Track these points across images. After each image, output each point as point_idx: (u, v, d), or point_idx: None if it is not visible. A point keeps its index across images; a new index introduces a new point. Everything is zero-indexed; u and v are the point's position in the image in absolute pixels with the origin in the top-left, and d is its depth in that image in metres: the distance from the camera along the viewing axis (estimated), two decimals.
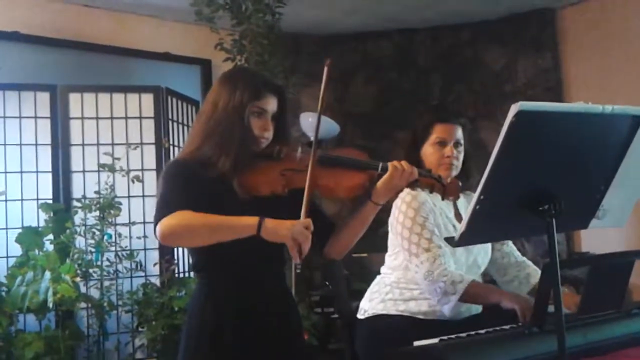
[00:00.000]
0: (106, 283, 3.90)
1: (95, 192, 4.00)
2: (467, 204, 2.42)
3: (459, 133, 2.37)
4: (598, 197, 1.65)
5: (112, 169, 3.98)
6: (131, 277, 4.08)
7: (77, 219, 3.95)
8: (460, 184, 1.95)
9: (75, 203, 4.05)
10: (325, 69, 1.78)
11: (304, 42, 5.51)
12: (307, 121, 4.26)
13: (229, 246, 1.67)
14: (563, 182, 1.55)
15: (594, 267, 1.82)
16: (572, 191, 1.57)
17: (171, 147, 4.43)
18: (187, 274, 4.42)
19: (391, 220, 2.34)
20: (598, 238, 4.54)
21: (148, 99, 4.40)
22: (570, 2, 5.17)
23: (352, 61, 5.65)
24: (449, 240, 1.68)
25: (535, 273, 2.38)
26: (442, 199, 2.16)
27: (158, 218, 1.69)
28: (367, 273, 3.72)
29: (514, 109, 1.37)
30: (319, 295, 4.73)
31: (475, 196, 1.49)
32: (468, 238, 1.57)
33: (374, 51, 5.70)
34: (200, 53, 4.98)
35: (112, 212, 3.89)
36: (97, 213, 3.91)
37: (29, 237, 3.77)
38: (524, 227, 1.66)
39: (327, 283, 4.48)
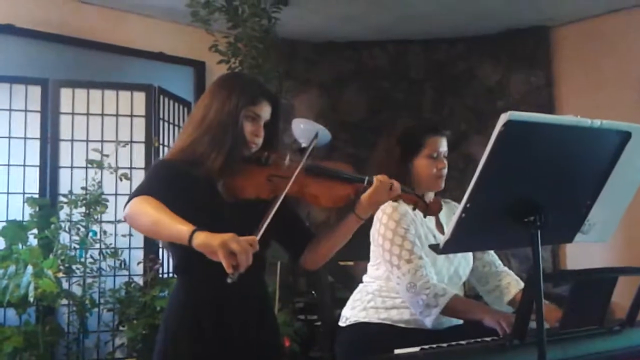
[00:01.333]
0: (89, 280, 3.86)
1: (82, 189, 3.97)
2: (448, 212, 2.43)
3: (445, 144, 2.41)
4: (584, 211, 1.65)
5: (100, 165, 3.96)
6: (114, 275, 4.04)
7: (63, 214, 3.91)
8: (442, 203, 1.97)
9: (61, 198, 4.01)
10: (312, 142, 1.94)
11: (299, 48, 5.51)
12: (299, 127, 4.23)
13: None
14: (550, 195, 1.55)
15: (577, 282, 1.82)
16: (558, 204, 1.57)
17: (161, 147, 4.41)
18: (171, 274, 4.38)
19: (372, 231, 2.34)
20: (583, 255, 4.55)
21: (140, 98, 4.38)
22: (564, 21, 5.20)
23: (347, 69, 5.65)
24: (434, 247, 1.68)
25: (516, 283, 2.39)
26: (424, 217, 2.16)
27: (130, 197, 1.67)
28: (353, 281, 3.71)
29: (503, 118, 1.38)
30: (303, 302, 4.71)
31: (461, 204, 1.49)
32: (453, 246, 1.57)
33: (369, 61, 5.70)
34: (195, 54, 4.97)
35: (98, 208, 3.86)
36: (83, 209, 3.88)
37: (13, 230, 3.73)
38: (509, 238, 1.66)
39: (313, 292, 4.46)
